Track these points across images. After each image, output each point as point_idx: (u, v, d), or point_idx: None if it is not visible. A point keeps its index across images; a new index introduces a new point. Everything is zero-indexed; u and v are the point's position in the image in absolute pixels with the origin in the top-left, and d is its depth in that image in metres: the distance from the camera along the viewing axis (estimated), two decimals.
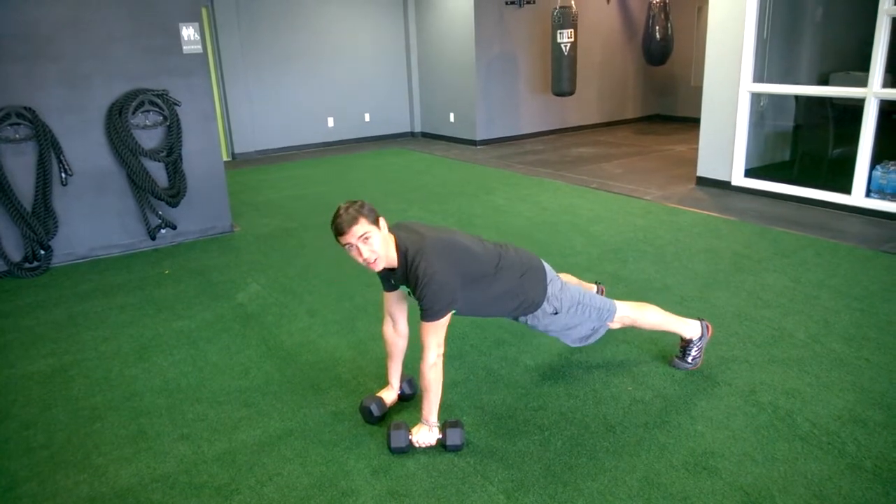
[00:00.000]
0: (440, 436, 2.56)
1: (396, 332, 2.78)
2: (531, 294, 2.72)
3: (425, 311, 2.43)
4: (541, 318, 2.80)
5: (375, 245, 2.41)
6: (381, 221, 2.45)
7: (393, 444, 2.54)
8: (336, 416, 2.84)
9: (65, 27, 4.77)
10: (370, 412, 2.74)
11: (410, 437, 2.55)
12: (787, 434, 2.56)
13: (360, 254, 2.41)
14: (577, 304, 2.83)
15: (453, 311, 2.51)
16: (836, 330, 3.40)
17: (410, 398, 2.92)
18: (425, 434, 2.56)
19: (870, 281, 4.01)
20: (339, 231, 2.40)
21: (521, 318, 2.83)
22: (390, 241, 2.49)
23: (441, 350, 2.50)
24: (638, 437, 2.60)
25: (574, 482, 2.35)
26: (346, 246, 2.42)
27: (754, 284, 4.03)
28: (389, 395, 2.84)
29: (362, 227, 2.38)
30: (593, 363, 3.18)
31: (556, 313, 2.79)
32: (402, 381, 2.90)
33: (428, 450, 2.57)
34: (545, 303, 2.76)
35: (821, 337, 3.33)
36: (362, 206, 2.42)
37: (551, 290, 2.77)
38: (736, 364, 3.10)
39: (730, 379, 2.97)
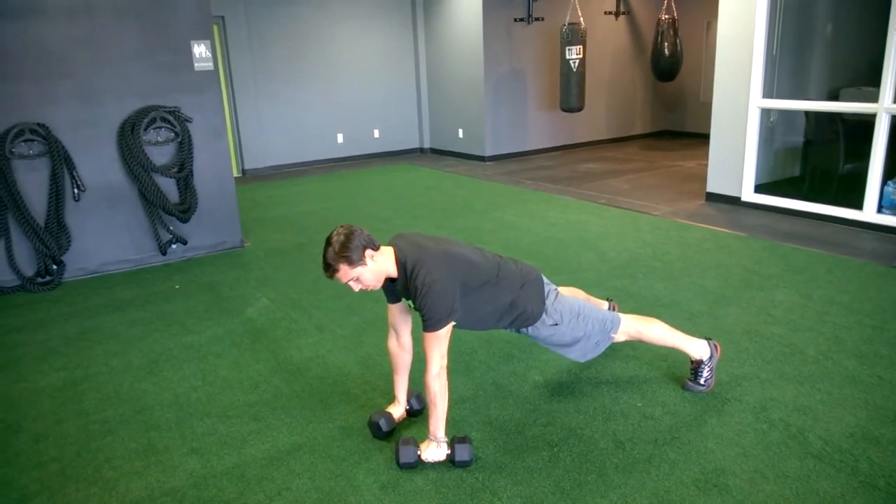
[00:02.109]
0: (448, 451, 2.55)
1: (400, 345, 2.78)
2: (530, 305, 2.72)
3: (426, 321, 2.44)
4: (541, 330, 2.79)
5: (364, 281, 2.47)
6: (368, 252, 2.42)
7: (402, 460, 2.53)
8: (344, 431, 2.84)
9: (78, 45, 4.84)
10: (379, 427, 2.74)
11: (419, 452, 2.55)
12: (799, 451, 2.54)
13: (353, 289, 2.49)
14: (577, 316, 2.82)
15: (454, 323, 2.51)
16: (848, 347, 3.37)
17: (419, 413, 2.92)
18: (434, 451, 2.55)
19: (881, 297, 3.99)
20: (326, 275, 2.46)
21: (523, 331, 2.82)
22: (389, 253, 2.50)
23: (444, 362, 2.50)
24: (647, 453, 2.58)
25: (583, 499, 2.34)
26: None
27: (764, 301, 4.02)
28: (397, 410, 2.84)
29: (344, 274, 2.43)
30: (602, 379, 3.17)
31: (557, 325, 2.78)
32: (410, 397, 2.89)
33: (436, 465, 2.56)
34: (544, 314, 2.76)
35: (832, 354, 3.31)
36: (346, 246, 2.38)
37: (549, 302, 2.77)
38: (746, 381, 3.08)
39: (740, 395, 2.96)
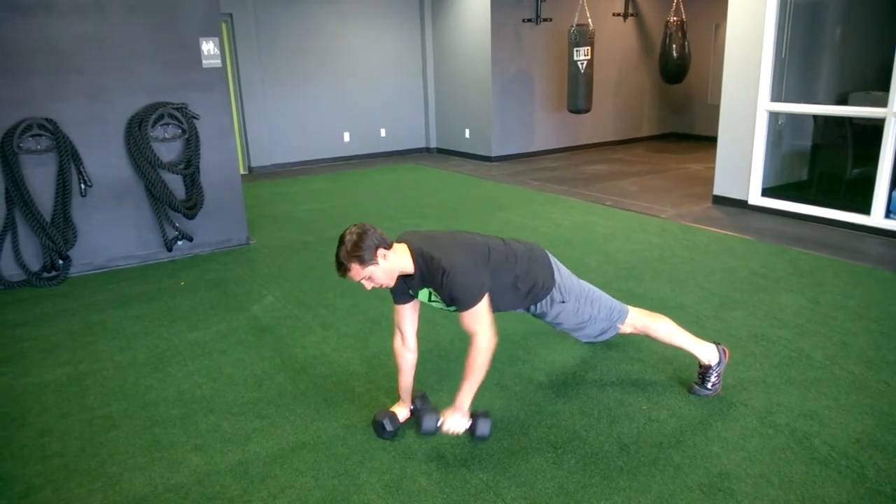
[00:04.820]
0: (469, 423, 2.56)
1: (405, 346, 2.77)
2: (540, 278, 2.73)
3: (461, 302, 2.44)
4: (549, 308, 2.81)
5: (377, 279, 2.47)
6: (381, 251, 2.42)
7: (423, 426, 2.52)
8: (349, 430, 2.83)
9: (87, 42, 4.85)
10: (383, 427, 2.73)
11: (441, 421, 2.54)
12: (805, 457, 2.53)
13: (365, 287, 2.50)
14: (585, 298, 2.84)
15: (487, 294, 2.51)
16: (855, 352, 3.35)
17: None
18: (458, 421, 2.54)
19: (889, 303, 3.97)
20: (338, 274, 2.47)
21: (532, 308, 2.83)
22: (403, 251, 2.50)
23: (491, 332, 2.49)
24: (652, 456, 2.57)
25: (587, 501, 2.33)
26: None
27: (771, 305, 4.00)
28: (401, 410, 2.84)
29: (356, 273, 2.43)
30: (607, 381, 3.16)
31: (564, 303, 2.80)
32: (415, 397, 2.89)
33: (440, 464, 2.56)
34: (554, 289, 2.77)
35: (839, 359, 3.29)
36: (358, 245, 2.39)
37: (558, 277, 2.79)
38: (752, 385, 3.07)
39: (746, 400, 2.94)
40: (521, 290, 2.72)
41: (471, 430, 2.56)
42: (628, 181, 8.02)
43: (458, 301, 2.45)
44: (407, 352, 2.78)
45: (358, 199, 7.53)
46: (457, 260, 2.43)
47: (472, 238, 2.65)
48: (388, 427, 2.73)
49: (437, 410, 2.58)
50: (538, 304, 2.81)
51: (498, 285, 2.63)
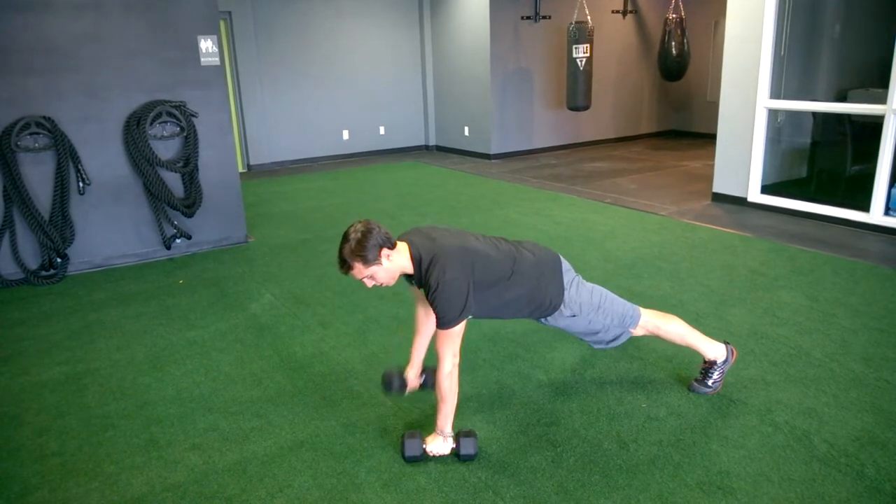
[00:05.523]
0: (454, 445, 2.55)
1: (428, 314, 2.76)
2: (548, 297, 2.70)
3: (439, 319, 2.43)
4: (559, 320, 2.78)
5: (378, 279, 2.47)
6: (384, 252, 2.41)
7: (407, 453, 2.54)
8: (347, 429, 2.83)
9: (85, 40, 4.83)
10: (390, 384, 2.78)
11: (424, 446, 2.55)
12: (805, 455, 2.52)
13: (366, 285, 2.50)
14: (596, 309, 2.79)
15: (469, 318, 2.49)
16: (855, 349, 3.35)
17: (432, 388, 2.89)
18: (439, 444, 2.56)
19: (889, 300, 3.96)
20: (340, 271, 2.47)
21: (542, 320, 2.81)
22: (404, 251, 2.49)
23: (456, 360, 2.49)
24: (652, 455, 2.56)
25: (587, 499, 2.33)
26: None
27: (770, 302, 3.99)
28: (412, 372, 2.85)
29: (359, 272, 2.43)
30: (607, 380, 3.15)
31: (575, 316, 2.76)
32: (425, 369, 2.90)
33: (439, 463, 2.55)
34: (562, 306, 2.73)
35: (838, 356, 3.28)
36: (362, 244, 2.38)
37: (569, 293, 2.74)
38: (752, 383, 3.06)
39: (745, 398, 2.94)
40: (528, 308, 2.70)
41: (456, 451, 2.56)
42: (627, 178, 8.01)
43: (437, 318, 2.44)
44: (429, 320, 2.76)
45: (357, 197, 7.51)
46: (448, 277, 2.39)
47: (476, 247, 2.56)
48: (395, 387, 2.79)
49: (420, 434, 2.59)
50: (546, 319, 2.78)
51: (498, 300, 2.61)
